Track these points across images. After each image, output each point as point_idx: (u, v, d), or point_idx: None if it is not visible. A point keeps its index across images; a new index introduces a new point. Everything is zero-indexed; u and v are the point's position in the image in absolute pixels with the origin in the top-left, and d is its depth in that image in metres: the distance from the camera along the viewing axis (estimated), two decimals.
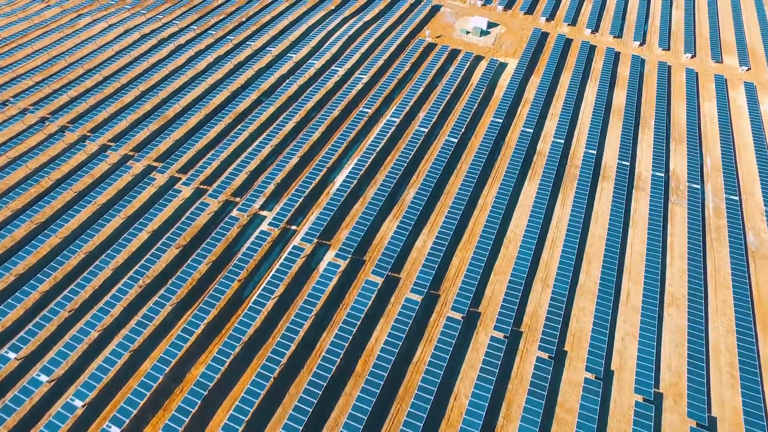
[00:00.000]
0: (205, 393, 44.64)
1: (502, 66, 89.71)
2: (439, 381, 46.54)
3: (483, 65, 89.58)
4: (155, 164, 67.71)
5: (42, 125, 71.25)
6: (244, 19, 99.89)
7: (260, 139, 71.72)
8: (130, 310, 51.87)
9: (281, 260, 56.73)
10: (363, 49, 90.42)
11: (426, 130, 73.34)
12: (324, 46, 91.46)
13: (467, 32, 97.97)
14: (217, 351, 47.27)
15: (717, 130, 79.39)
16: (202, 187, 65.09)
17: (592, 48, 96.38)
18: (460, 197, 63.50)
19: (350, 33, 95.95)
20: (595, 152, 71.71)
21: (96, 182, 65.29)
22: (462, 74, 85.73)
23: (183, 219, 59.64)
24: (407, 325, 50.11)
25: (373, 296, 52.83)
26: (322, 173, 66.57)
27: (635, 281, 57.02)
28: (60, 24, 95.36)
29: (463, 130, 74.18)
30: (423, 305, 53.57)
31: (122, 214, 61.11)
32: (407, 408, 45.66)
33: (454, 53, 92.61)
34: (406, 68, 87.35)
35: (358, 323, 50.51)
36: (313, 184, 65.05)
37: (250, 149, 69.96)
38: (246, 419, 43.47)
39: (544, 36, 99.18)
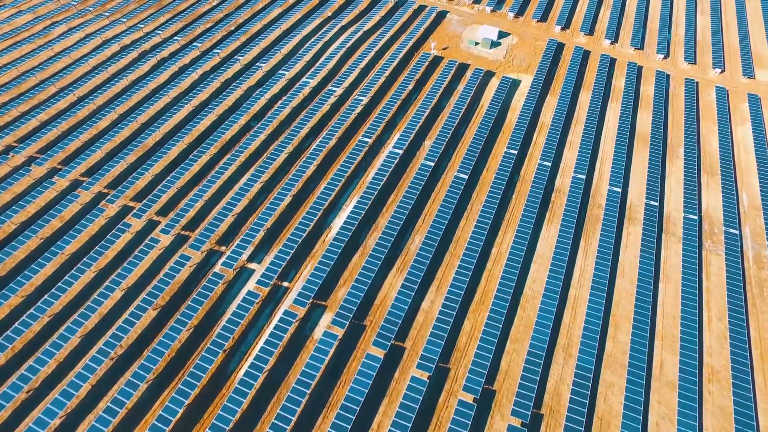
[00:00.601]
0: None
1: (516, 84, 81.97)
2: None
3: (494, 83, 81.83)
4: (132, 205, 60.80)
5: (6, 157, 64.09)
6: (232, 27, 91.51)
7: (249, 174, 64.70)
8: (100, 387, 45.69)
9: (272, 326, 50.38)
10: (363, 64, 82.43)
11: (432, 163, 66.15)
12: (320, 61, 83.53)
13: (476, 43, 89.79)
14: None
15: (753, 159, 72.20)
16: (183, 233, 58.33)
17: (612, 62, 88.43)
18: (472, 247, 56.80)
19: (348, 45, 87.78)
20: (619, 190, 64.74)
21: (66, 227, 58.47)
22: (472, 94, 78.06)
23: (162, 274, 53.12)
24: (414, 411, 43.99)
25: (375, 373, 46.56)
26: (317, 217, 59.72)
27: (670, 349, 50.76)
28: (32, 33, 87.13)
29: (473, 163, 66.93)
30: (431, 383, 47.37)
31: (94, 267, 54.50)
32: None
33: (463, 68, 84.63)
34: (410, 87, 79.61)
35: (359, 408, 44.38)
36: (307, 231, 58.30)
37: (237, 186, 63.08)
38: None
39: (560, 48, 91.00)
